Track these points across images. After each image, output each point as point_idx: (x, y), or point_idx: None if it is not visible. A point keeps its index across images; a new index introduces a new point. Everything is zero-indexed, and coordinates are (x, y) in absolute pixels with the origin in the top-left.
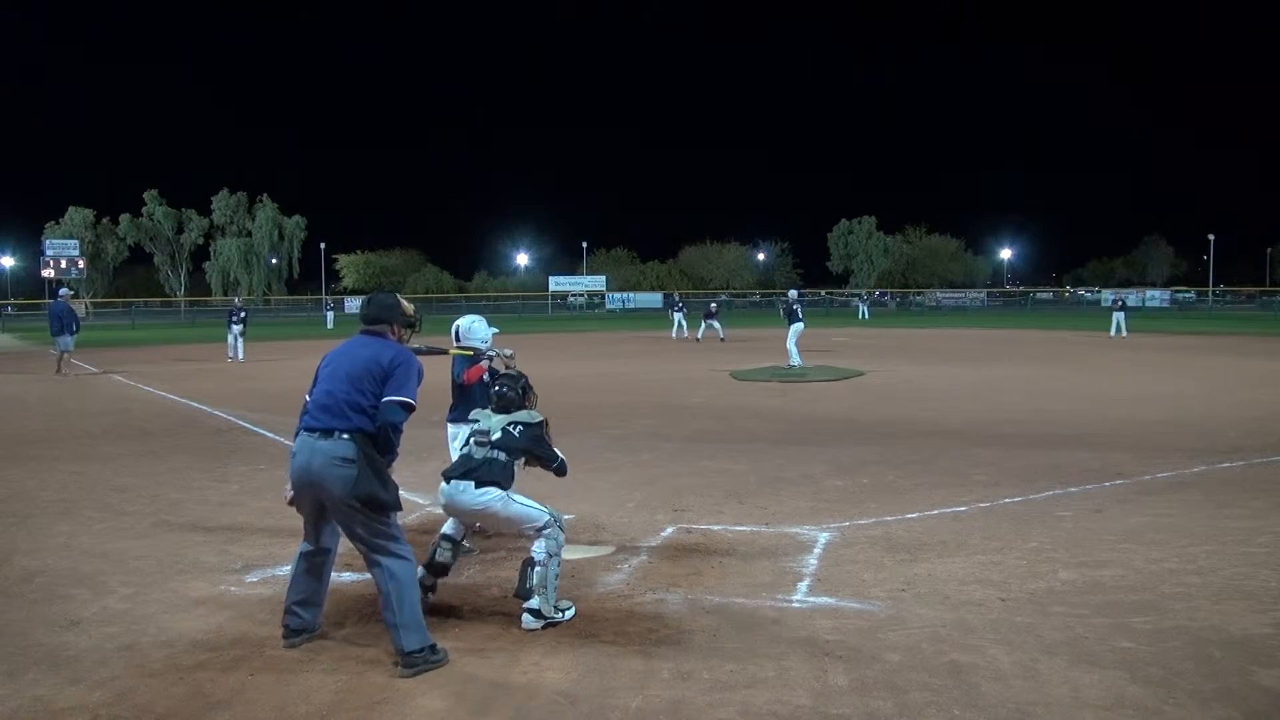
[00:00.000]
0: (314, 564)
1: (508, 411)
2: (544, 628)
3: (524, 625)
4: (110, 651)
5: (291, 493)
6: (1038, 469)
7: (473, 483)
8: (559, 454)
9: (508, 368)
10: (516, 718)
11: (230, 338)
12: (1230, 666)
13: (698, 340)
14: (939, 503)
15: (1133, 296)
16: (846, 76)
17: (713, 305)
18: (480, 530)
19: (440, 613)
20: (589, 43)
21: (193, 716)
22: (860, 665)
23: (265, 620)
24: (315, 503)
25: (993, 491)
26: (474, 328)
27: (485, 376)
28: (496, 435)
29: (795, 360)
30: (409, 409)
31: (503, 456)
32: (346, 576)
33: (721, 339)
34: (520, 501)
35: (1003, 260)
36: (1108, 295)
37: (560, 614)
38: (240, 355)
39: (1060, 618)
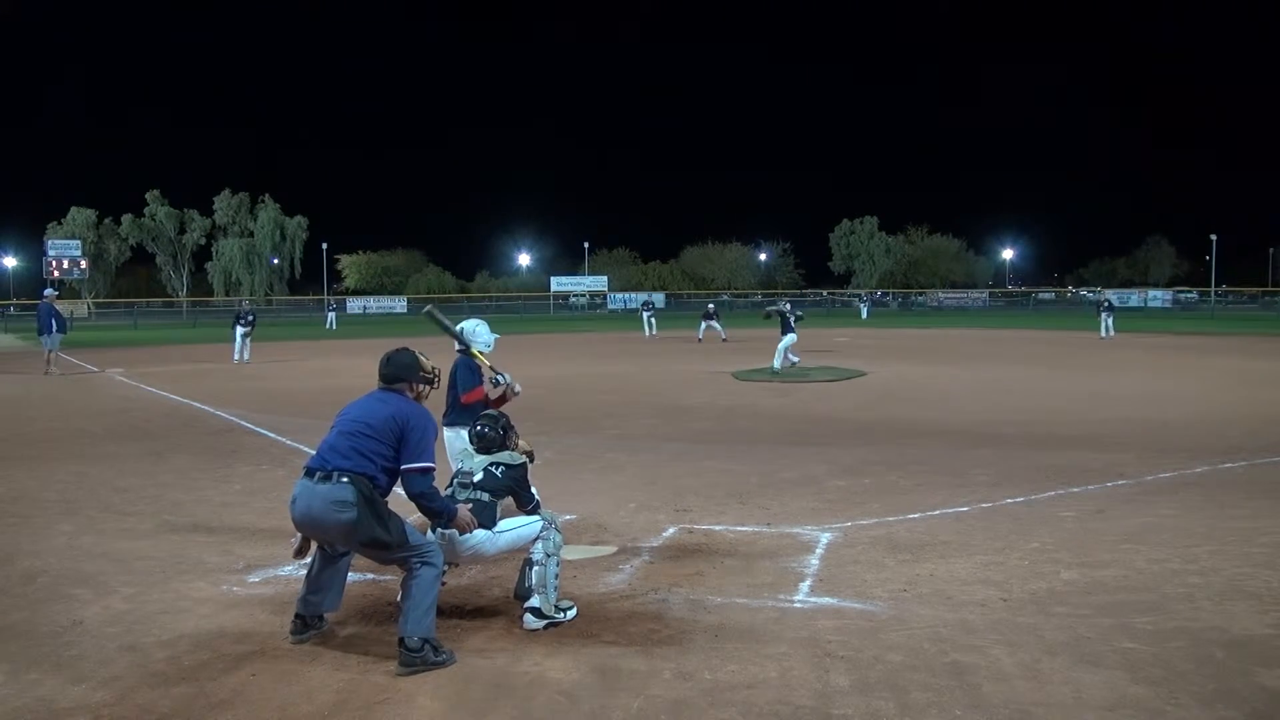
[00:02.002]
0: (331, 561)
1: (489, 452)
2: (545, 627)
3: (525, 625)
4: (113, 651)
5: (298, 538)
6: (1040, 469)
7: (456, 530)
8: (535, 495)
9: (505, 396)
10: (518, 718)
11: (236, 340)
12: (1232, 667)
13: (699, 340)
14: (941, 503)
15: (1135, 297)
16: (846, 77)
17: (711, 305)
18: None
19: (442, 613)
20: (590, 44)
21: (195, 716)
22: (862, 666)
23: (267, 620)
24: (322, 539)
25: (995, 492)
26: (478, 331)
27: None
28: (479, 477)
29: (776, 364)
30: (429, 473)
31: (486, 498)
32: (350, 577)
33: (723, 339)
34: (506, 530)
35: (1004, 260)
36: (1103, 295)
37: (561, 614)
38: (246, 357)
39: (1062, 618)
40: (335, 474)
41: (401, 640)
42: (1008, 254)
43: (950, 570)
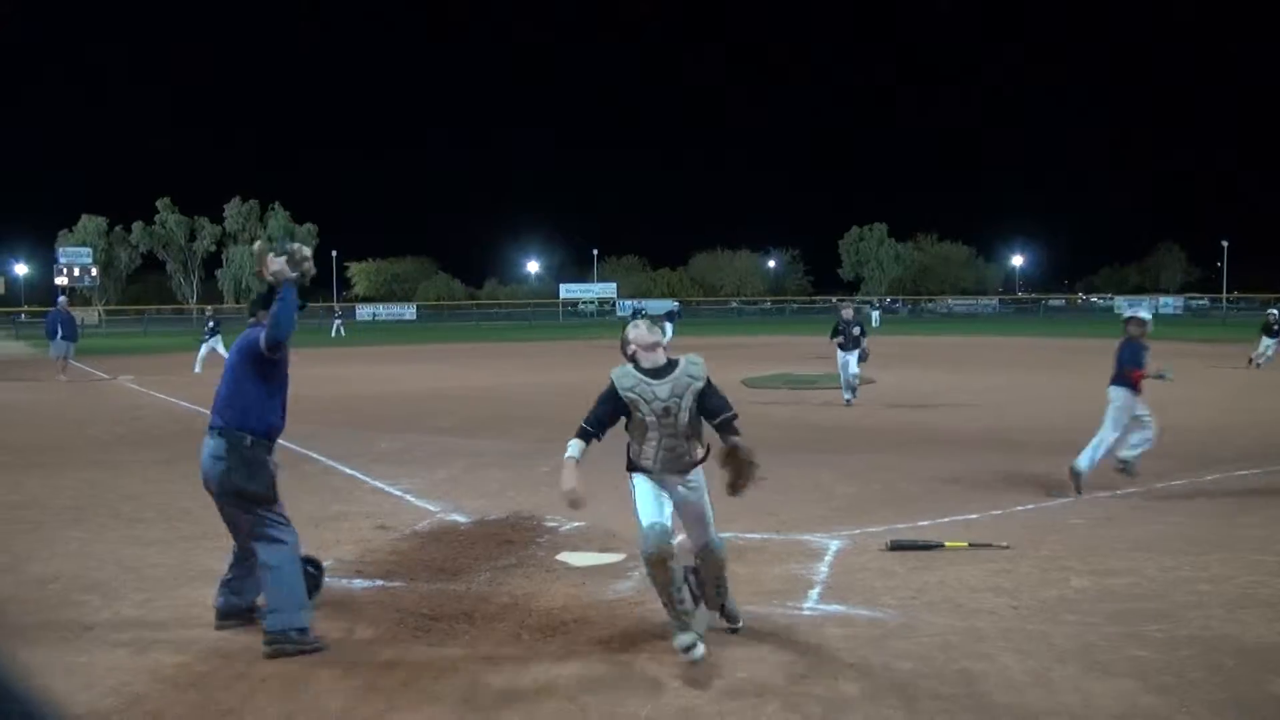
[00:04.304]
0: (244, 559)
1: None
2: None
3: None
4: (122, 658)
5: None
6: (1050, 476)
7: None
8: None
9: None
10: None
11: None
12: (1243, 675)
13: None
14: (950, 510)
15: (1146, 304)
16: (855, 81)
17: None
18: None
19: (450, 619)
20: (599, 49)
21: None
22: (871, 673)
23: None
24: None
25: (1004, 498)
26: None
27: None
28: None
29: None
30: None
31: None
32: (358, 584)
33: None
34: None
35: (1014, 267)
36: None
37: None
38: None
39: (1072, 626)
40: (215, 430)
41: (267, 630)
42: (1017, 260)
43: (960, 577)
